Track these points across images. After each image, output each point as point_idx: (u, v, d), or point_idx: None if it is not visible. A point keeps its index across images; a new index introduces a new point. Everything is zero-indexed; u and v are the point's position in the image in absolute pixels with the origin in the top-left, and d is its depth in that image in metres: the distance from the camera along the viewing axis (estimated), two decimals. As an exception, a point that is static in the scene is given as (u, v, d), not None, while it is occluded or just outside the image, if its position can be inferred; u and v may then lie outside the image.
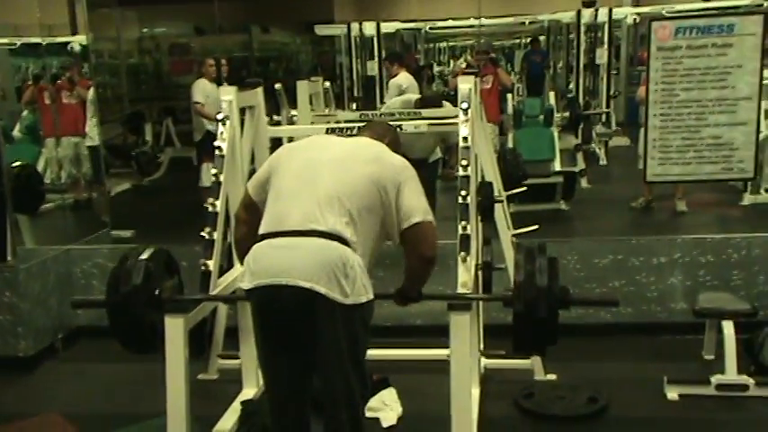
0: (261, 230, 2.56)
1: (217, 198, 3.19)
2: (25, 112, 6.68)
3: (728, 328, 3.67)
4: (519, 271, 2.74)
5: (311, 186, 2.53)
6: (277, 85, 5.09)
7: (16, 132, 6.39)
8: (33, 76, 6.83)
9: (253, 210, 2.71)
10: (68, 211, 6.27)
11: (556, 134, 7.19)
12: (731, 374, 3.61)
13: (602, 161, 8.63)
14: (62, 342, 4.58)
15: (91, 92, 6.59)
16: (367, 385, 2.72)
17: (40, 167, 6.22)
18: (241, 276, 2.57)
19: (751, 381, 3.60)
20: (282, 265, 2.43)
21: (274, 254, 2.47)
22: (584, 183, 7.33)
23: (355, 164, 2.59)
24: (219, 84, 6.26)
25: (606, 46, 9.28)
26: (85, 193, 6.65)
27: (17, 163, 5.24)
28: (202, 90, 6.74)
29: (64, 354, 4.57)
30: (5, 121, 6.62)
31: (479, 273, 3.24)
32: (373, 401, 3.51)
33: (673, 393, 3.64)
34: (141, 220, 5.79)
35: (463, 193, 3.07)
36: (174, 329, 2.83)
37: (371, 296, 2.52)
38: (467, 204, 3.06)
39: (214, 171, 3.29)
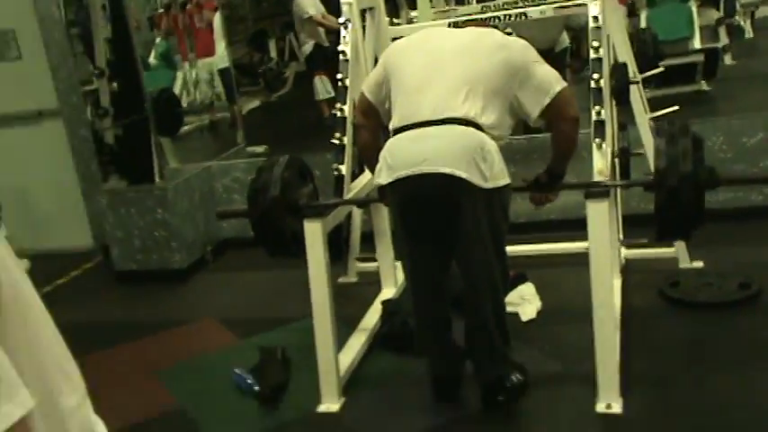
0: (393, 125, 2.58)
1: (344, 103, 3.21)
2: (158, 40, 6.92)
3: None
4: (660, 152, 2.62)
5: (440, 76, 2.52)
6: (395, -13, 4.98)
7: (152, 60, 6.64)
8: (164, 5, 7.04)
9: (372, 112, 2.73)
10: (205, 131, 6.55)
11: (694, 8, 6.67)
12: None
13: (749, 34, 7.97)
14: (211, 254, 4.86)
15: (217, 14, 6.72)
16: (507, 275, 2.73)
17: (176, 91, 6.49)
18: (378, 173, 2.60)
19: None
20: (422, 154, 2.44)
21: (412, 145, 2.48)
22: (727, 60, 6.82)
23: (481, 50, 2.56)
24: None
25: None
26: (219, 113, 6.88)
27: (156, 88, 5.48)
28: (312, 2, 6.70)
29: (213, 265, 4.85)
30: (141, 50, 6.90)
31: (616, 160, 3.13)
32: (512, 296, 3.50)
33: (832, 275, 3.42)
34: (272, 135, 5.96)
35: (595, 76, 2.95)
36: (314, 233, 2.92)
37: (509, 180, 2.52)
38: (600, 88, 2.94)
39: (339, 77, 3.29)
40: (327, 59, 6.34)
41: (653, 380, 2.89)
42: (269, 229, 2.94)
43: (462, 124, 2.45)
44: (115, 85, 4.79)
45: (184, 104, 6.58)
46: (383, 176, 2.54)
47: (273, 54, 7.51)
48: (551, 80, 2.55)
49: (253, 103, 6.84)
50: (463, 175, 2.39)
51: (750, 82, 6.44)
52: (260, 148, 5.50)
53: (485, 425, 2.76)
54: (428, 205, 2.50)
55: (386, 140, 2.64)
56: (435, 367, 2.89)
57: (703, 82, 6.17)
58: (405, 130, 2.52)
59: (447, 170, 2.40)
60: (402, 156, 2.49)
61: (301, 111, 7.03)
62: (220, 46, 6.39)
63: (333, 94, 6.51)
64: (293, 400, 3.08)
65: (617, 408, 2.65)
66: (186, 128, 6.13)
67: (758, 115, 4.33)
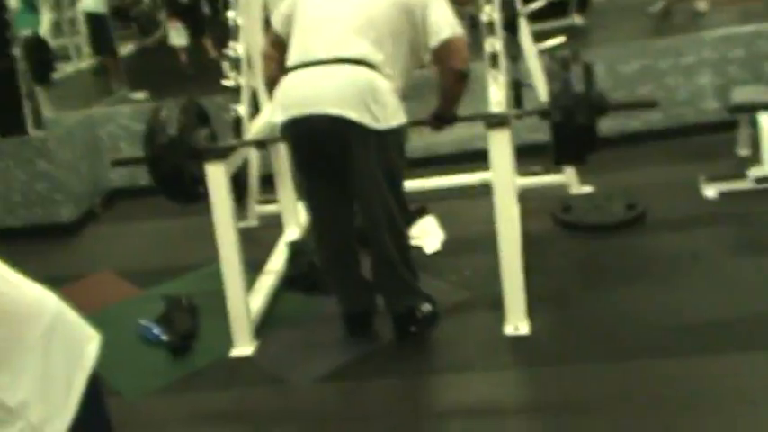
0: (289, 63, 2.54)
1: (237, 41, 3.12)
2: (20, -20, 6.44)
3: (765, 120, 3.64)
4: (554, 80, 2.70)
5: (335, 16, 2.49)
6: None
7: (12, 2, 6.17)
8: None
9: (281, 45, 2.67)
10: (77, 77, 6.21)
11: (565, -56, 6.83)
12: (768, 166, 3.62)
13: (616, -30, 8.25)
14: (101, 205, 4.66)
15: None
16: (407, 211, 2.77)
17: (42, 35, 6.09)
18: (273, 111, 2.57)
19: (788, 171, 3.61)
20: (311, 95, 2.43)
21: (302, 85, 2.46)
22: (596, -6, 7.06)
23: None
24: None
25: None
26: (93, 59, 6.54)
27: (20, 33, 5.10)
28: None
29: (103, 216, 4.67)
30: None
31: (510, 91, 3.20)
32: (414, 230, 3.58)
33: (710, 191, 3.66)
34: (152, 81, 5.71)
35: (487, 9, 2.97)
36: (216, 176, 2.85)
37: (404, 120, 2.52)
38: (492, 22, 2.97)
39: (231, 15, 3.18)
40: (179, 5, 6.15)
41: (554, 299, 3.05)
42: (168, 173, 2.84)
43: (354, 64, 2.43)
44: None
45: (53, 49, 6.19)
46: (278, 115, 2.53)
47: (145, -5, 7.18)
48: (443, 24, 2.52)
49: (127, 48, 6.51)
50: (353, 116, 2.39)
51: (619, 14, 6.70)
52: (141, 95, 5.27)
53: (399, 356, 2.82)
54: (319, 146, 2.50)
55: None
56: (345, 303, 2.92)
57: (576, 15, 6.36)
58: (298, 69, 2.49)
59: (335, 112, 2.39)
60: (293, 95, 2.47)
61: (178, 55, 6.77)
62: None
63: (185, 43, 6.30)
64: (204, 346, 3.04)
65: (524, 329, 2.79)
66: (58, 74, 5.77)
67: (632, 44, 4.54)
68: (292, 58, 2.54)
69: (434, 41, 2.52)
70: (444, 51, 2.52)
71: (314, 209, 2.73)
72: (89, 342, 1.23)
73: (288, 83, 2.51)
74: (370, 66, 2.44)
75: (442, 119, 2.78)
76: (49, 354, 1.14)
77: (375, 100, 2.41)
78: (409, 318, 2.83)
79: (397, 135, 2.54)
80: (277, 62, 2.68)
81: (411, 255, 2.83)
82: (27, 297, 1.14)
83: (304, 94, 2.44)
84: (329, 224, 2.73)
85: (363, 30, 2.46)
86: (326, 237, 2.76)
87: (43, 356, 1.13)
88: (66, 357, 1.18)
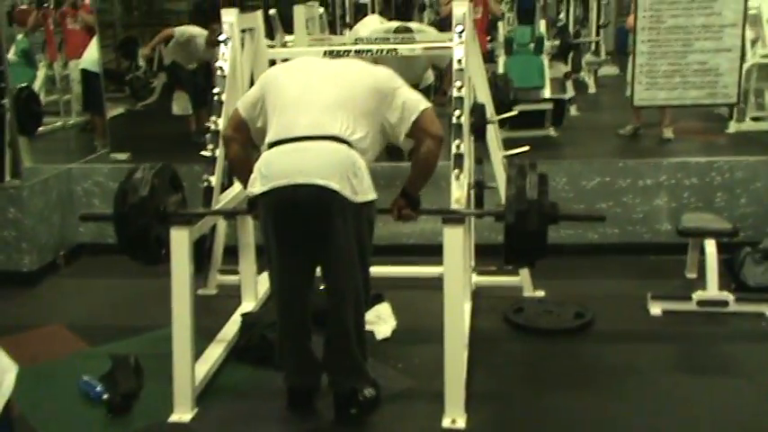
0: (269, 139, 2.69)
1: (219, 116, 3.27)
2: (20, 37, 6.64)
3: (711, 246, 3.83)
4: (510, 185, 2.86)
5: (315, 97, 2.67)
6: (271, 11, 5.09)
7: (11, 56, 6.34)
8: (36, 2, 6.77)
9: (243, 127, 2.84)
10: (63, 134, 6.33)
11: (546, 62, 7.20)
12: (712, 291, 3.76)
13: (592, 89, 8.68)
14: (64, 258, 4.70)
15: (93, 17, 6.52)
16: (369, 290, 2.87)
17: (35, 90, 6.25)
18: (251, 184, 2.69)
19: (731, 297, 3.76)
20: (297, 166, 2.57)
21: (287, 158, 2.61)
22: (573, 110, 7.40)
23: (352, 75, 2.76)
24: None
25: (597, -26, 9.25)
26: (81, 116, 6.68)
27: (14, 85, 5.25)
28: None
29: (66, 269, 4.70)
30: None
31: (471, 191, 3.36)
32: (369, 315, 3.63)
33: (656, 309, 3.79)
34: (137, 144, 5.84)
35: (457, 113, 3.16)
36: (180, 241, 2.94)
37: (375, 196, 2.70)
38: (460, 124, 3.15)
39: (216, 91, 3.34)
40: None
41: (495, 397, 3.12)
42: (134, 232, 2.92)
43: (335, 141, 2.61)
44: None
45: (44, 104, 6.33)
46: (257, 186, 2.64)
47: (142, 63, 7.37)
48: (416, 101, 2.77)
49: (117, 110, 6.67)
50: (336, 187, 2.55)
51: (591, 131, 7.02)
52: (123, 156, 5.39)
53: (336, 437, 2.85)
54: (301, 215, 2.61)
55: (258, 156, 2.75)
56: (292, 377, 2.97)
57: (552, 128, 6.65)
58: (280, 144, 2.64)
59: (321, 182, 2.55)
60: (278, 167, 2.60)
61: (167, 121, 6.95)
62: (92, 50, 6.19)
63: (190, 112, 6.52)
64: (144, 409, 3.05)
65: (461, 423, 2.83)
66: (43, 128, 5.90)
67: (596, 161, 4.77)
68: (273, 134, 2.69)
69: (414, 116, 2.74)
70: (424, 121, 2.75)
71: (280, 279, 2.81)
72: (8, 372, 1.30)
73: (271, 156, 2.65)
74: (347, 143, 2.62)
75: (409, 196, 2.91)
76: None
77: (354, 174, 2.59)
78: (352, 399, 2.89)
79: (369, 209, 2.72)
80: (238, 143, 2.86)
81: (365, 336, 2.93)
82: None
83: (288, 165, 2.59)
84: (294, 295, 2.82)
85: (341, 111, 2.65)
86: (289, 307, 2.85)
87: None
88: None
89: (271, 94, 2.76)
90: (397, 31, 4.99)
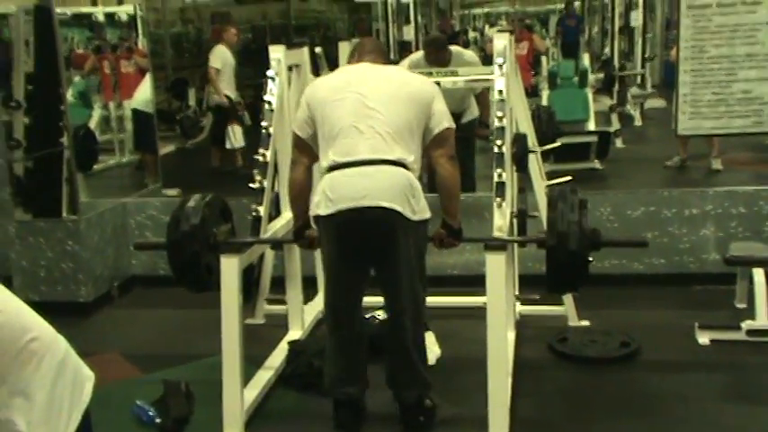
0: (329, 163, 2.81)
1: (267, 149, 3.39)
2: (77, 79, 6.93)
3: (759, 275, 3.78)
4: (551, 212, 2.89)
5: (370, 120, 2.79)
6: (317, 49, 5.25)
7: (69, 97, 6.62)
8: (96, 46, 7.08)
9: (306, 148, 2.97)
10: (118, 170, 6.58)
11: (590, 95, 7.25)
12: (762, 320, 3.71)
13: (638, 122, 8.64)
14: (118, 289, 4.85)
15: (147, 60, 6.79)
16: (425, 303, 2.98)
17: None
18: (316, 206, 2.83)
19: (781, 327, 3.69)
20: (363, 190, 2.73)
21: (352, 181, 2.75)
22: (618, 143, 7.39)
23: (398, 92, 2.86)
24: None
25: (641, 9, 9.27)
26: (134, 154, 6.91)
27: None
28: (221, 56, 6.90)
29: (120, 300, 4.84)
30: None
31: (514, 220, 3.40)
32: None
33: (704, 338, 3.75)
34: (187, 180, 6.03)
35: (498, 142, 3.21)
36: (230, 268, 3.04)
37: (430, 214, 2.85)
38: (502, 153, 3.20)
39: (264, 124, 3.47)
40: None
41: (539, 425, 3.13)
42: (186, 260, 3.03)
43: (394, 165, 2.76)
44: (26, 119, 4.81)
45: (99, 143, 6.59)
46: (322, 208, 2.79)
47: (192, 102, 7.62)
48: (444, 116, 2.90)
49: (168, 148, 6.90)
50: (398, 208, 2.72)
51: (637, 164, 7.00)
52: (173, 191, 5.57)
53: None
54: (366, 234, 2.78)
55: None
56: (341, 388, 3.04)
57: (596, 161, 6.66)
58: (343, 168, 2.77)
59: (386, 204, 2.71)
60: (344, 191, 2.75)
61: (216, 157, 7.17)
62: (143, 90, 6.43)
63: (242, 145, 6.72)
64: (195, 433, 3.13)
65: (505, 449, 2.85)
66: (98, 166, 6.15)
67: (641, 191, 4.76)
68: (333, 157, 2.80)
69: (438, 129, 2.87)
70: (442, 138, 2.89)
71: (337, 293, 2.96)
72: (88, 381, 1.38)
73: (335, 179, 2.78)
74: (404, 166, 2.77)
75: (450, 228, 2.99)
76: (57, 385, 1.28)
77: (412, 195, 2.76)
78: (419, 407, 3.01)
79: (425, 227, 2.88)
80: (303, 164, 2.98)
81: (425, 346, 3.06)
82: (49, 330, 1.29)
83: (355, 189, 2.74)
84: (349, 308, 2.98)
85: (397, 133, 2.79)
86: (343, 320, 2.99)
87: (52, 386, 1.26)
88: (71, 391, 1.32)
89: (322, 115, 2.87)
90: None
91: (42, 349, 1.27)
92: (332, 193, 2.76)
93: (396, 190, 2.73)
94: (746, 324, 3.73)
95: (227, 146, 6.89)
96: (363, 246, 2.83)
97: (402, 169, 2.77)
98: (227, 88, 6.93)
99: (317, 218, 2.86)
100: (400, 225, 2.75)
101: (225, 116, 6.92)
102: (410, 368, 2.95)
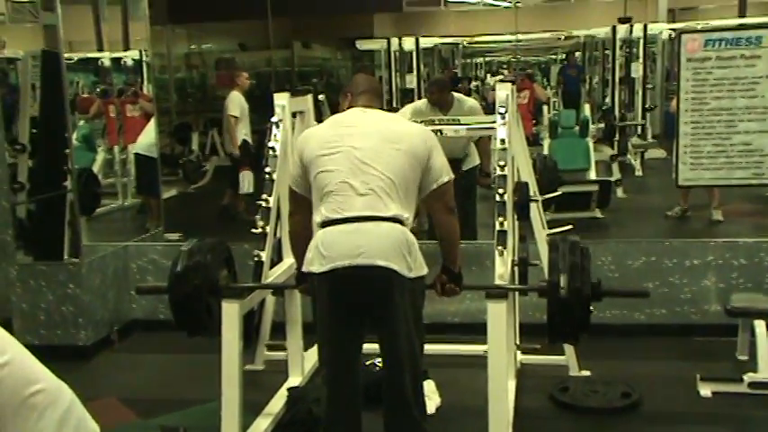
0: (321, 218, 2.77)
1: (270, 194, 3.41)
2: (81, 122, 6.99)
3: (761, 327, 3.78)
4: (552, 262, 2.90)
5: (363, 176, 2.74)
6: (320, 96, 5.32)
7: (73, 141, 6.69)
8: (102, 91, 7.16)
9: (302, 201, 2.93)
10: (120, 213, 6.60)
11: (591, 145, 7.30)
12: (764, 373, 3.69)
13: (638, 172, 8.68)
14: (118, 333, 4.84)
15: (152, 105, 6.86)
16: (422, 356, 2.90)
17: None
18: (309, 262, 2.76)
19: (783, 379, 3.67)
20: (358, 248, 2.67)
21: (347, 238, 2.70)
22: (619, 192, 7.42)
23: (392, 146, 2.79)
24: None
25: (641, 60, 9.39)
26: (136, 198, 6.94)
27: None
28: (239, 103, 6.96)
29: (119, 345, 4.82)
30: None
31: (515, 268, 3.41)
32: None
33: (705, 390, 3.73)
34: (189, 224, 6.05)
35: (500, 191, 3.24)
36: (231, 312, 3.04)
37: (426, 270, 2.79)
38: (503, 202, 3.23)
39: (267, 170, 3.50)
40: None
41: (539, 476, 3.09)
42: (186, 303, 3.03)
43: (389, 221, 2.71)
44: (31, 162, 4.85)
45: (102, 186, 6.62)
46: (316, 265, 2.72)
47: (195, 147, 7.68)
48: (443, 170, 2.87)
49: (170, 192, 6.94)
50: (395, 266, 2.65)
51: (638, 213, 7.02)
52: (175, 235, 5.58)
53: None
54: (363, 293, 2.72)
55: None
56: None
57: (597, 210, 6.69)
58: (336, 224, 2.73)
59: (381, 263, 2.65)
60: (339, 248, 2.69)
61: (217, 203, 7.20)
62: (146, 135, 6.50)
63: (251, 191, 6.75)
64: (192, 479, 3.10)
65: (506, 500, 2.82)
66: (101, 209, 6.19)
67: (642, 241, 4.77)
68: (327, 212, 2.75)
69: (437, 183, 2.84)
70: (442, 191, 2.86)
71: (333, 350, 2.87)
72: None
73: (329, 236, 2.72)
74: (400, 222, 2.73)
75: (450, 272, 2.98)
76: None
77: (408, 252, 2.69)
78: None
79: (422, 283, 2.81)
80: (301, 215, 2.93)
81: (424, 399, 2.95)
82: (53, 380, 1.26)
83: (349, 247, 2.68)
84: (346, 366, 2.88)
85: (391, 189, 2.74)
86: (340, 377, 2.90)
87: None
88: None
89: (309, 167, 2.84)
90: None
91: (46, 401, 1.24)
92: (325, 250, 2.71)
93: (392, 248, 2.67)
94: (748, 376, 3.71)
95: (240, 191, 6.88)
96: (358, 304, 2.75)
97: (398, 225, 2.72)
98: (244, 134, 6.99)
99: (311, 275, 2.79)
100: (397, 283, 2.68)
101: (239, 162, 6.95)
102: (410, 424, 2.85)
